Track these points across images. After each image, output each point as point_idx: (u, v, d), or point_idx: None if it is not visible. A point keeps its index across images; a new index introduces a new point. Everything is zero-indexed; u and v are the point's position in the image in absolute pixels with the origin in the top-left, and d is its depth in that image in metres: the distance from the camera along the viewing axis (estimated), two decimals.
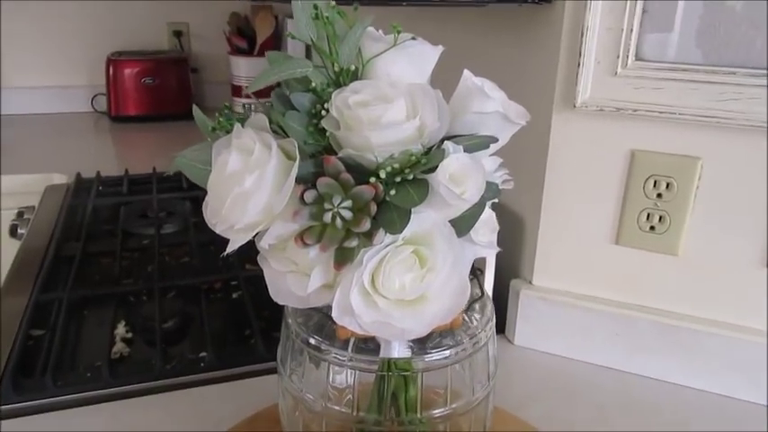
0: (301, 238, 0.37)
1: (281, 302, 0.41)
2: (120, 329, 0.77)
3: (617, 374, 0.69)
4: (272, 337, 0.73)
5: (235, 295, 0.87)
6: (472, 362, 0.45)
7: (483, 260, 0.67)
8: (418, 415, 0.44)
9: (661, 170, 0.63)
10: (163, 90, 1.80)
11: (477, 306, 0.46)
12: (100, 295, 0.84)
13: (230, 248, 0.39)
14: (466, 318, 0.45)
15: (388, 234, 0.37)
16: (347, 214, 0.36)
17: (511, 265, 0.76)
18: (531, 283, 0.73)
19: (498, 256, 0.70)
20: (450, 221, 0.39)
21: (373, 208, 0.36)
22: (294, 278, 0.40)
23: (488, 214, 0.45)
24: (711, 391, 0.66)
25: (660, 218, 0.64)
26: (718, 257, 0.64)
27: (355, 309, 0.37)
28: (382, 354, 0.42)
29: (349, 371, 0.45)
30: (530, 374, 0.70)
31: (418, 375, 0.43)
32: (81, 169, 1.27)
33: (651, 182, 0.64)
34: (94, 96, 1.87)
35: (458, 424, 0.47)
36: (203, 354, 0.71)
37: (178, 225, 1.08)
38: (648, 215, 0.65)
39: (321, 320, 0.46)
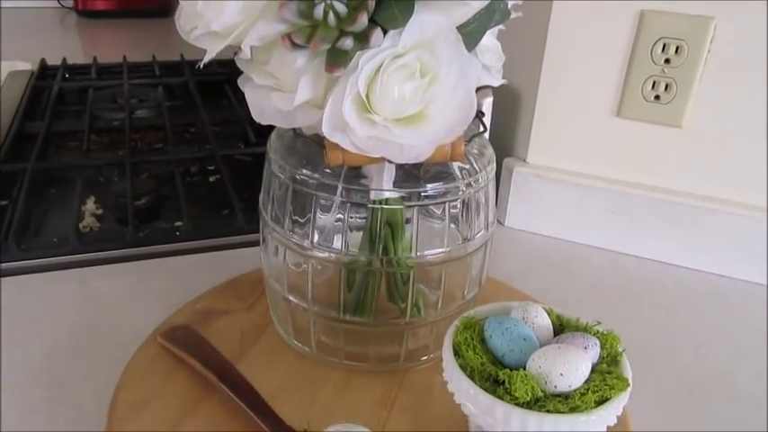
0: (289, 37, 0.32)
1: (264, 122, 0.37)
2: (90, 205, 0.72)
3: (611, 255, 0.67)
4: (252, 214, 0.69)
5: (212, 179, 0.82)
6: (470, 203, 0.41)
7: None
8: (411, 254, 0.40)
9: (671, 32, 0.59)
10: None
11: (476, 145, 0.42)
12: (67, 170, 0.79)
13: (207, 57, 0.35)
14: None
15: (387, 38, 0.33)
16: (341, 8, 0.32)
17: (504, 145, 0.73)
18: (525, 161, 0.70)
19: (491, 135, 0.66)
20: None
21: (371, 4, 0.32)
22: (278, 95, 0.36)
23: (494, 42, 0.41)
24: (709, 271, 0.64)
25: (666, 86, 0.61)
26: (723, 129, 0.61)
27: (349, 121, 0.33)
28: (374, 185, 0.39)
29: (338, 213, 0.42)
30: (520, 254, 0.67)
31: (412, 211, 0.40)
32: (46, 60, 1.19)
33: (660, 46, 0.60)
34: None
35: (452, 275, 0.44)
36: (179, 223, 0.67)
37: (151, 111, 1.02)
38: (654, 83, 0.61)
39: (304, 158, 0.41)
